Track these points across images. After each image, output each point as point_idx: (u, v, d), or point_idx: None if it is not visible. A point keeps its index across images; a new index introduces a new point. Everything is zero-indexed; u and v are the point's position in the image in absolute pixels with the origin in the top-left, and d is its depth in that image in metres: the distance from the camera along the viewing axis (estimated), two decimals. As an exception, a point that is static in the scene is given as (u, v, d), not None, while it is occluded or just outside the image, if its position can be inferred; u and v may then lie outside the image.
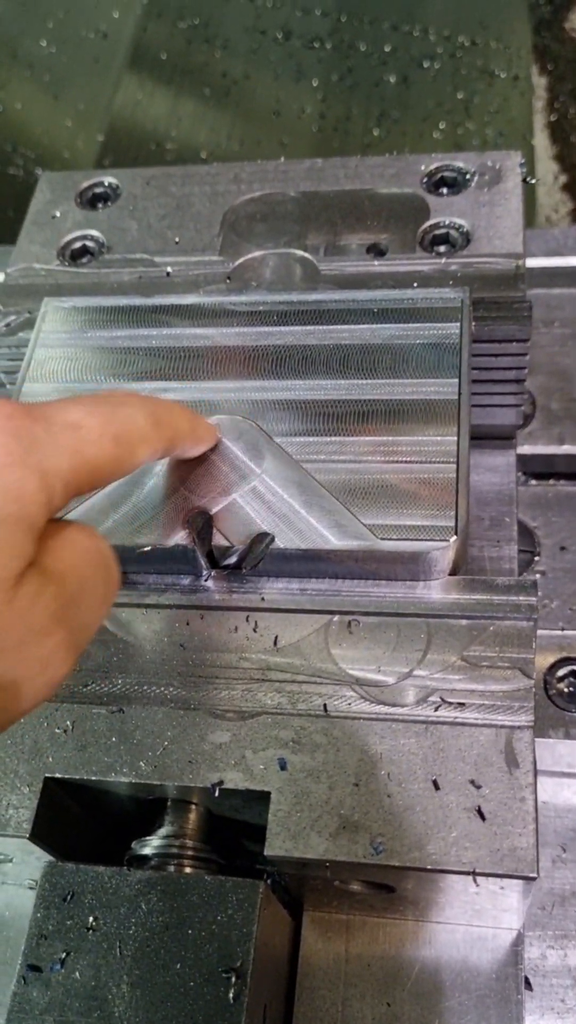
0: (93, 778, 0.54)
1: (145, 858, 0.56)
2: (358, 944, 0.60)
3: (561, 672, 0.72)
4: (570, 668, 0.72)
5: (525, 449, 0.84)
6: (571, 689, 0.71)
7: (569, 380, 0.89)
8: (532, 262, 1.00)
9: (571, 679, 0.72)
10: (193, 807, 0.57)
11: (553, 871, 0.68)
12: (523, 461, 0.85)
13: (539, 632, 0.74)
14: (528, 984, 0.64)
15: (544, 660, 0.72)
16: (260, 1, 1.71)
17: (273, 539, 0.57)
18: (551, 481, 0.86)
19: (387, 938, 0.60)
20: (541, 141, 1.62)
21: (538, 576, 0.79)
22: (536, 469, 0.86)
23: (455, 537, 0.55)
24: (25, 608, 0.38)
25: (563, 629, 0.75)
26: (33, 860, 0.57)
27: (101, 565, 0.43)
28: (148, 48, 1.65)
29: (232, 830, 0.59)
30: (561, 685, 0.71)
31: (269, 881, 0.54)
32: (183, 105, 1.57)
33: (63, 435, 0.42)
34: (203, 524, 0.58)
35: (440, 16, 1.69)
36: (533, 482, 0.86)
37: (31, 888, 0.64)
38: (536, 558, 0.80)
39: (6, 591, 0.37)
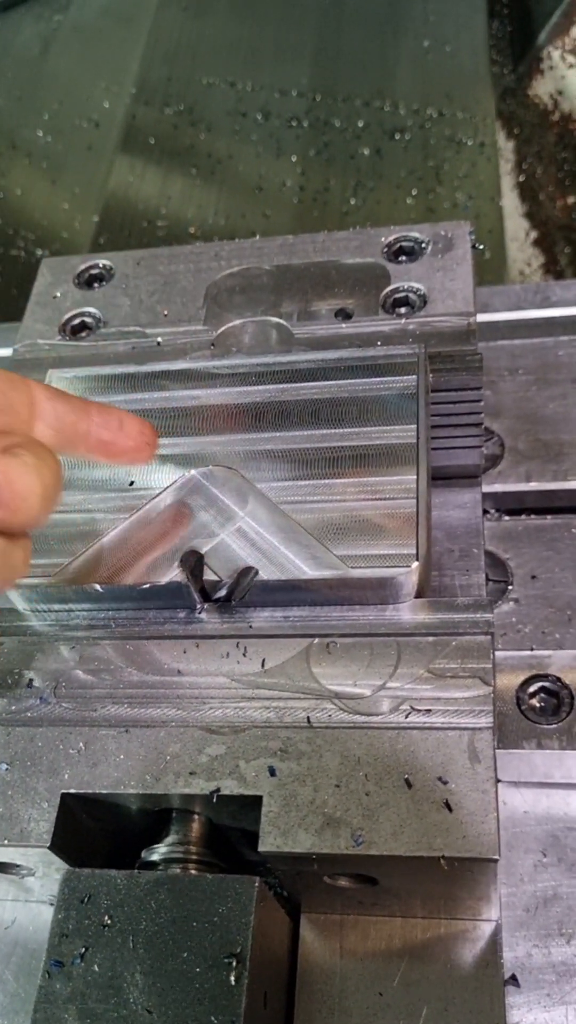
0: (104, 791, 0.60)
1: (153, 864, 0.62)
2: (352, 941, 0.66)
3: (532, 688, 0.78)
4: (540, 684, 0.78)
5: (496, 487, 0.91)
6: (542, 704, 0.77)
7: (534, 422, 0.96)
8: (496, 316, 1.08)
9: (542, 695, 0.78)
10: (196, 817, 0.63)
11: (535, 875, 0.74)
12: (495, 498, 0.92)
13: (512, 653, 0.81)
14: (515, 981, 0.70)
15: (516, 678, 0.79)
16: (240, 85, 1.83)
17: (257, 572, 0.64)
18: (522, 516, 0.92)
19: (377, 934, 0.66)
20: (511, 201, 1.72)
21: (511, 603, 0.86)
22: (508, 506, 0.93)
23: (417, 563, 0.63)
24: None
25: (533, 649, 0.81)
26: (54, 873, 0.64)
27: None
28: (138, 134, 1.77)
29: (233, 840, 0.66)
30: (533, 701, 0.77)
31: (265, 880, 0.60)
32: (172, 185, 1.68)
33: None
34: (195, 563, 0.65)
35: (409, 91, 1.80)
36: (506, 518, 0.93)
37: (52, 905, 0.70)
38: (509, 587, 0.87)
39: None
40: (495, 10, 1.95)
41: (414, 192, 1.64)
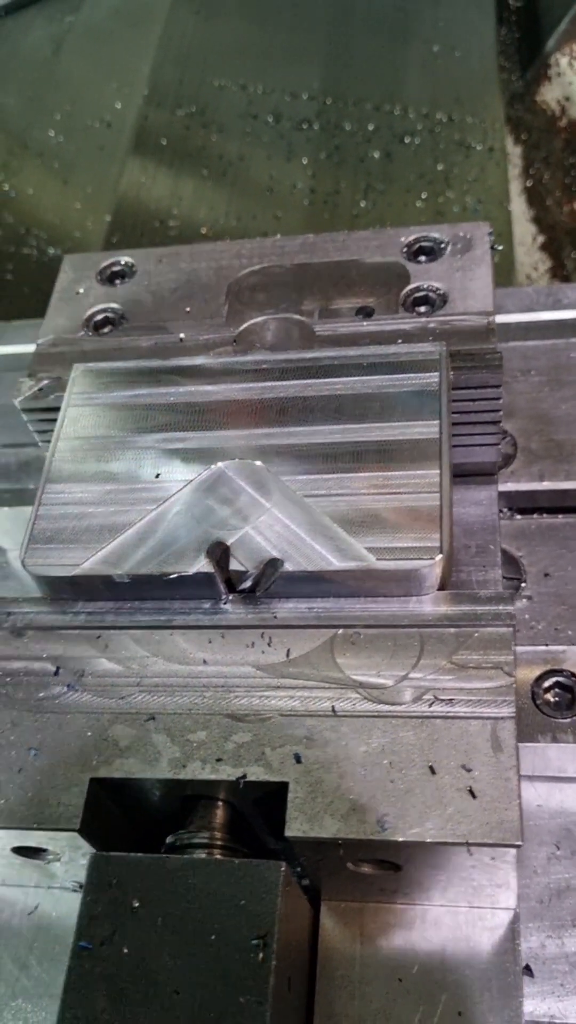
0: (133, 776, 0.61)
1: (179, 849, 0.63)
2: (371, 928, 0.67)
3: (547, 683, 0.79)
4: (555, 679, 0.79)
5: (509, 486, 0.92)
6: (556, 698, 0.78)
7: (547, 422, 0.97)
8: (509, 318, 1.09)
9: (556, 689, 0.79)
10: (220, 804, 0.64)
11: (549, 867, 0.75)
12: (508, 497, 0.93)
13: (527, 648, 0.82)
14: (529, 971, 0.71)
15: (531, 673, 0.80)
16: (252, 88, 1.85)
17: (283, 563, 0.65)
18: (535, 515, 0.93)
19: (397, 921, 0.67)
20: (519, 205, 1.73)
21: (525, 600, 0.87)
22: (521, 504, 0.94)
23: (440, 555, 0.64)
24: None
25: (548, 645, 0.82)
26: (79, 858, 0.65)
27: None
28: (149, 135, 1.79)
29: (255, 829, 0.67)
30: (548, 695, 0.78)
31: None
32: (183, 185, 1.70)
33: None
34: (221, 553, 0.67)
35: (419, 95, 1.82)
36: (518, 517, 0.94)
37: (75, 891, 0.71)
38: (523, 584, 0.88)
39: None
40: (504, 16, 1.97)
41: (424, 195, 1.65)
